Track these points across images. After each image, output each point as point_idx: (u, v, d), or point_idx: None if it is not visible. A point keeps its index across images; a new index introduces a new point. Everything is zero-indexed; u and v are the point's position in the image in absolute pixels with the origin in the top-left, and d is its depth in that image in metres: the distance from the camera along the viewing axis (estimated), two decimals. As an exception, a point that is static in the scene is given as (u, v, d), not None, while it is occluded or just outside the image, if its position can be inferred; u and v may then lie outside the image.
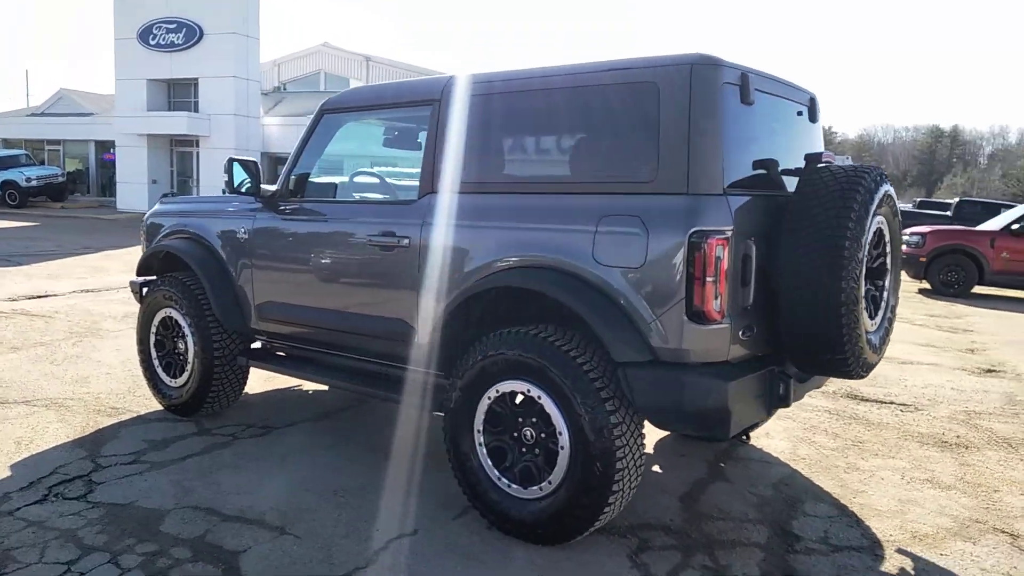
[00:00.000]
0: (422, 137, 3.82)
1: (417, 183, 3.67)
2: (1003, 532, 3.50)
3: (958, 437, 4.85)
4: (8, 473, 3.78)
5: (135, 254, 6.25)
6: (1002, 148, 74.08)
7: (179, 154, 28.97)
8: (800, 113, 3.65)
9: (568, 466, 3.01)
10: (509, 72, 3.45)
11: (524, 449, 3.18)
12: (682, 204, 2.86)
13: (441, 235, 3.47)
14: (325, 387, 5.51)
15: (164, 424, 4.59)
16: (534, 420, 3.13)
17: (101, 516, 3.33)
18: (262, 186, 4.33)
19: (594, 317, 2.93)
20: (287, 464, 4.02)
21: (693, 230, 2.79)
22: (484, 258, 3.32)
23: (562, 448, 3.01)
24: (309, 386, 5.52)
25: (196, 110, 26.97)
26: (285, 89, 35.80)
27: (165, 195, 5.26)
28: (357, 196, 4.37)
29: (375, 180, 4.38)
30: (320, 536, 3.22)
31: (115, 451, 4.12)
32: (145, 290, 4.93)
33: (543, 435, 3.11)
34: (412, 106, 3.86)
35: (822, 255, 2.87)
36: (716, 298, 2.80)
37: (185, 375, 4.62)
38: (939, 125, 74.39)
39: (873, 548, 3.29)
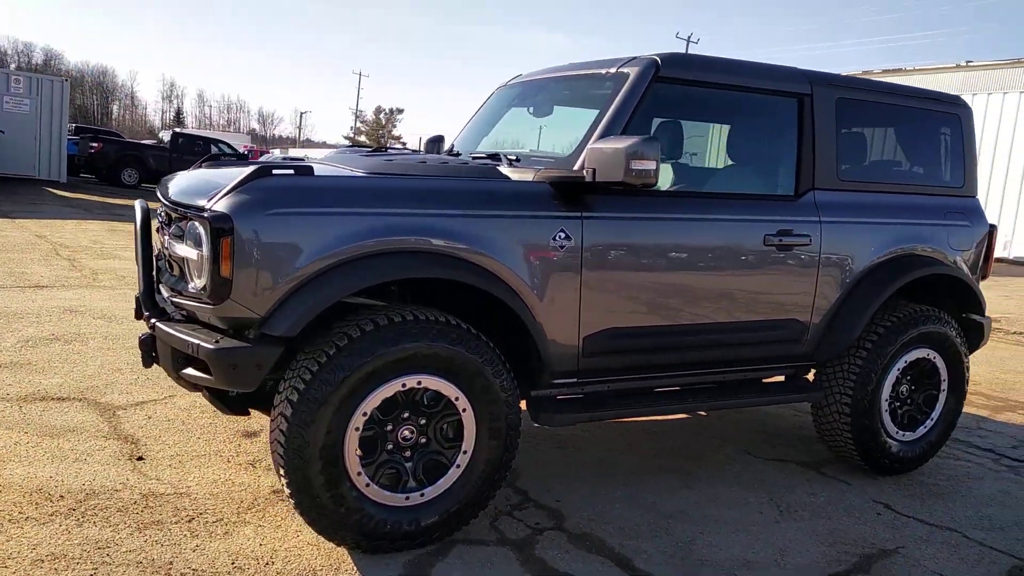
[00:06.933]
0: (772, 126, 3.66)
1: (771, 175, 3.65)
2: None
3: None
4: None
5: None
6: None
7: None
8: None
9: (944, 404, 4.04)
10: (871, 81, 3.81)
11: (899, 402, 3.94)
12: (979, 205, 4.19)
13: (842, 232, 3.67)
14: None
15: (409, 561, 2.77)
16: (910, 377, 3.96)
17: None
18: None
19: (976, 291, 3.99)
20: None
21: (990, 224, 4.18)
22: (877, 251, 3.76)
23: (942, 391, 4.04)
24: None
25: None
26: None
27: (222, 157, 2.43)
28: (709, 188, 3.61)
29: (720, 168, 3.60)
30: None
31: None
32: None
33: (917, 387, 3.99)
34: (770, 94, 3.54)
35: None
36: None
37: (448, 479, 2.78)
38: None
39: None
